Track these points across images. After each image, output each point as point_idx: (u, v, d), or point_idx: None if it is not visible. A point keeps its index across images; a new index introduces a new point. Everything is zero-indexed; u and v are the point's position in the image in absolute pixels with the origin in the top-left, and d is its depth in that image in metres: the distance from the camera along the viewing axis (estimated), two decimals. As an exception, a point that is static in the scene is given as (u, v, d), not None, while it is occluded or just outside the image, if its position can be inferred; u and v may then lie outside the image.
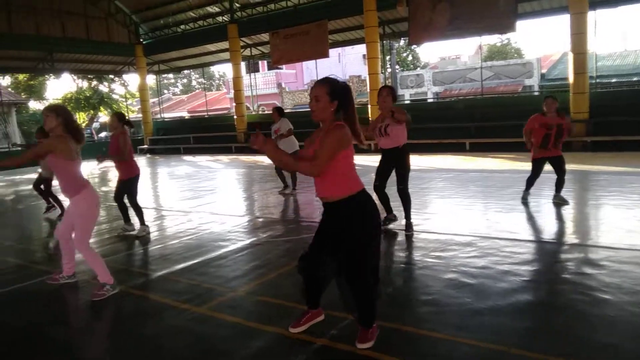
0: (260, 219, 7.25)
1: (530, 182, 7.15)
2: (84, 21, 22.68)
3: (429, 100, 26.86)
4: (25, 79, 35.26)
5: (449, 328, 3.23)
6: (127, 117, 6.55)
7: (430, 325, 3.28)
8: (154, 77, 30.52)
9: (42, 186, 8.48)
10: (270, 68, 34.97)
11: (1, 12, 19.79)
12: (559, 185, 6.91)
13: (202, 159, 19.46)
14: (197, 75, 56.74)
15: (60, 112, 4.21)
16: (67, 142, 4.15)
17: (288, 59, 20.53)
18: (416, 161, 13.05)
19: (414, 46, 39.80)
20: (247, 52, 23.44)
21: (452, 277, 4.20)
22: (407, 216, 5.71)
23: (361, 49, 32.42)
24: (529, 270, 4.34)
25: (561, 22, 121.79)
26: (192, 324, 3.55)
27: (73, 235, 4.36)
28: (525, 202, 7.07)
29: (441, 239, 5.38)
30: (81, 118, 37.65)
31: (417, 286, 4.12)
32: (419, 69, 39.85)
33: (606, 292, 3.70)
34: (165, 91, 51.68)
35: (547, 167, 6.99)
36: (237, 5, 21.29)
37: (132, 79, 31.18)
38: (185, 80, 59.94)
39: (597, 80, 18.13)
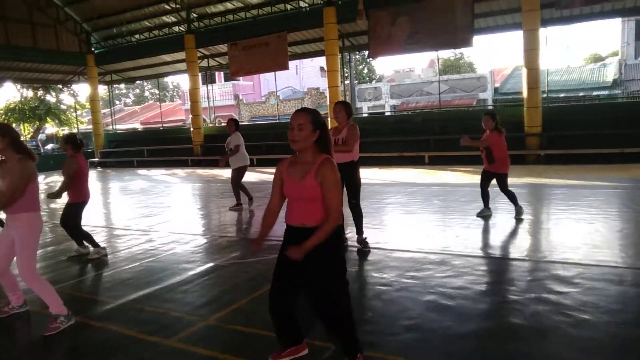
0: (224, 238, 6.96)
1: (482, 196, 7.21)
2: (30, 28, 21.63)
3: (387, 113, 27.21)
4: (-36, 87, 33.29)
5: (436, 356, 3.11)
6: (78, 139, 6.08)
7: (417, 354, 3.15)
8: (106, 87, 29.53)
9: None
10: (227, 79, 34.56)
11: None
12: (510, 200, 7.02)
13: (158, 173, 18.85)
14: (151, 86, 55.43)
15: (5, 131, 3.83)
16: (32, 164, 3.86)
17: (247, 70, 20.31)
18: (377, 175, 13.11)
19: (370, 59, 40.39)
20: (204, 63, 23.03)
21: (431, 299, 4.10)
22: (360, 231, 5.66)
23: (319, 61, 32.63)
24: (506, 289, 4.30)
25: (512, 37, 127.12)
26: (161, 359, 3.28)
27: (16, 263, 3.96)
28: (481, 216, 7.10)
29: (415, 258, 5.30)
30: (25, 129, 35.81)
31: (397, 310, 3.98)
32: (374, 81, 40.43)
33: (585, 312, 3.69)
34: (117, 102, 50.14)
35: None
36: (195, 15, 20.92)
37: (82, 89, 30.05)
38: (137, 91, 58.38)
39: (548, 95, 18.85)
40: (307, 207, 2.76)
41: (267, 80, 34.08)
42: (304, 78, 37.39)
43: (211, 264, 5.58)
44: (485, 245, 5.98)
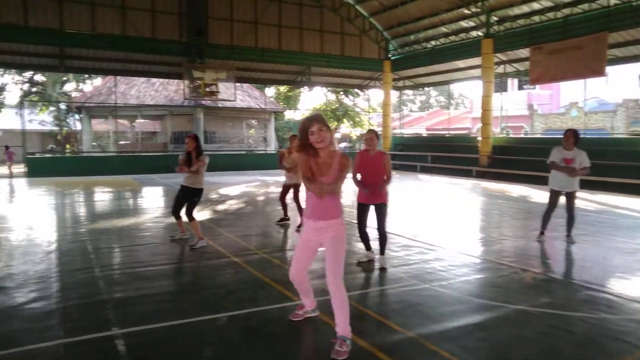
0: (527, 273, 5.70)
1: None
2: (339, 38, 23.99)
3: None
4: (285, 90, 39.53)
5: None
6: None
7: None
8: (396, 93, 30.79)
9: (286, 197, 8.56)
10: (520, 87, 32.07)
11: (274, 33, 22.35)
12: None
13: (440, 181, 18.39)
14: (437, 93, 56.24)
15: (298, 132, 3.64)
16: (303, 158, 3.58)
17: (551, 77, 18.01)
18: None
19: None
20: (499, 69, 21.57)
21: None
22: None
23: (636, 66, 27.18)
24: None
25: None
26: None
27: (328, 270, 3.66)
28: None
29: None
30: (326, 129, 40.50)
31: None
32: None
33: None
34: (404, 107, 52.40)
35: None
36: (495, 18, 19.66)
37: (374, 94, 32.05)
38: (423, 98, 59.95)
39: None
40: None
41: (569, 90, 30.20)
42: (616, 87, 31.83)
43: (515, 307, 4.50)
44: None
